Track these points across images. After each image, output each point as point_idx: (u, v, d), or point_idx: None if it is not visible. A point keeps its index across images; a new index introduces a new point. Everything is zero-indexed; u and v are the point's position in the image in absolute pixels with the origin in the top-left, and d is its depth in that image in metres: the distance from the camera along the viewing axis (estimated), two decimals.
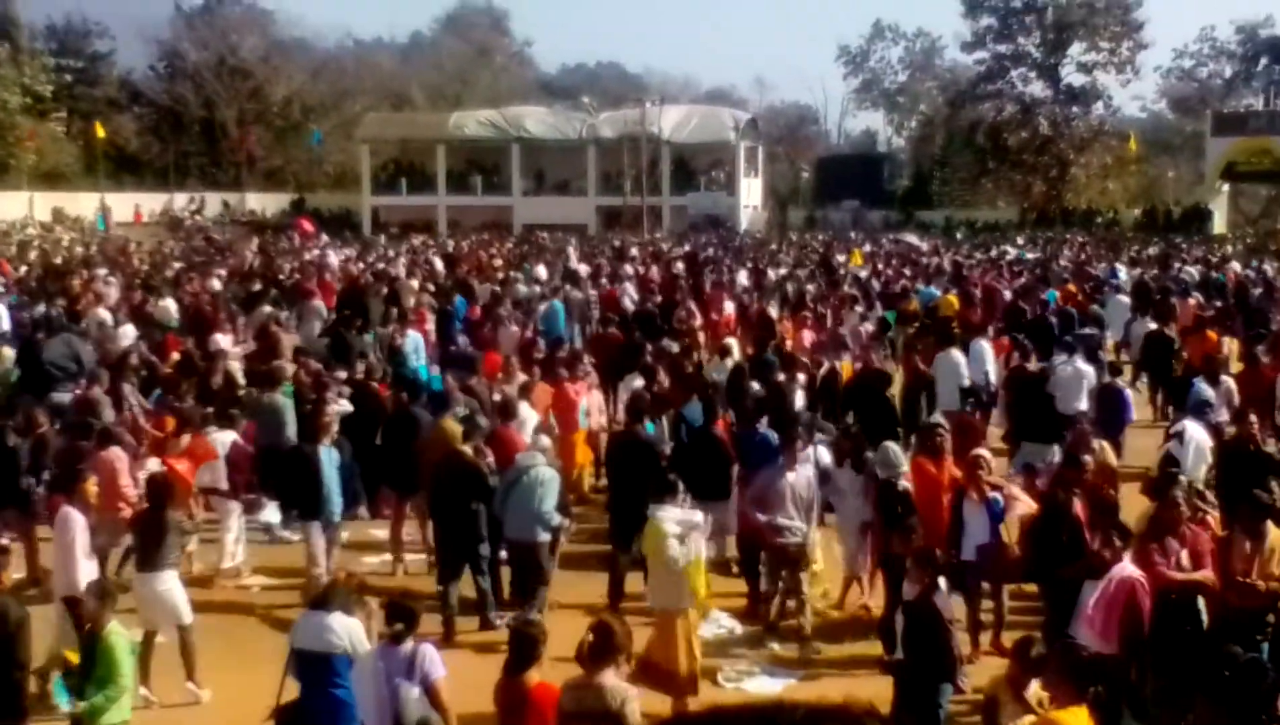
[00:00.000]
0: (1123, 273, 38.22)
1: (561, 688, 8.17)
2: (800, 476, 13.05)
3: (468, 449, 13.78)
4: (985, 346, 21.80)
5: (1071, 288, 33.32)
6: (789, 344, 23.46)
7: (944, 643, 9.52)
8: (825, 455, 13.92)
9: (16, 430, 15.33)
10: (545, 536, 13.30)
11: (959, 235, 66.28)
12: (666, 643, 10.83)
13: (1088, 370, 19.46)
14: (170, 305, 27.89)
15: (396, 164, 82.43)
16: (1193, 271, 39.00)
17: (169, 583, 11.59)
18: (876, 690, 9.60)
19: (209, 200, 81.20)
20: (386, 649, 8.79)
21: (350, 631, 9.11)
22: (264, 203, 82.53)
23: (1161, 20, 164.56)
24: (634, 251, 47.29)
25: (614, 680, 8.12)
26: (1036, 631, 10.22)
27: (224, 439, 15.40)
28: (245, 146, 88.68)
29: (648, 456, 14.16)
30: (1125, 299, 30.86)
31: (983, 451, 13.28)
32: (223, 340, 23.09)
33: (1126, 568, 9.99)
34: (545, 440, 14.41)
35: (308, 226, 66.38)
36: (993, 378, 20.86)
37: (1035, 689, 8.22)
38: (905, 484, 12.98)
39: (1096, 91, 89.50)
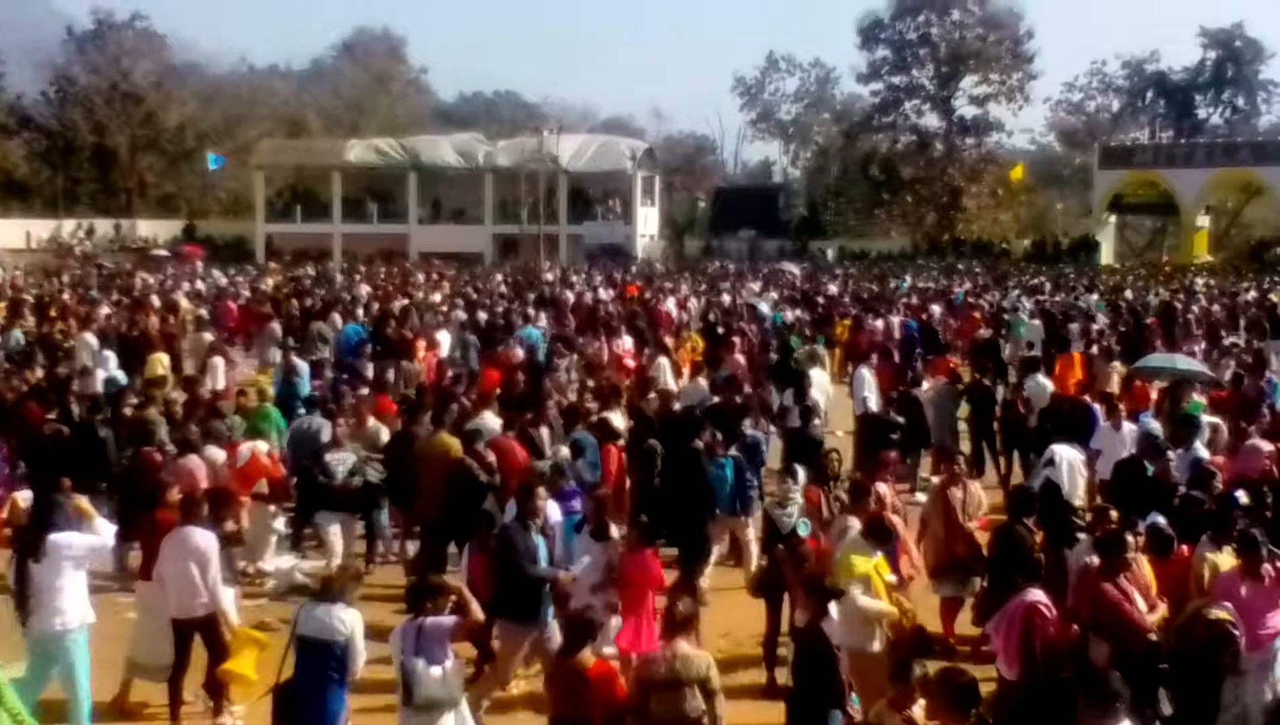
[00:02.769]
0: (1025, 300, 39.28)
1: (640, 660, 8.93)
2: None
3: (470, 460, 14.23)
4: (866, 374, 22.19)
5: (976, 315, 34.22)
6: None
7: (832, 670, 9.53)
8: (555, 512, 12.75)
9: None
10: None
11: (829, 261, 67.29)
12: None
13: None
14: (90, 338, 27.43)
15: (292, 191, 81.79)
16: (1092, 299, 40.47)
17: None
18: (768, 718, 9.65)
19: (99, 226, 79.90)
20: (405, 627, 9.37)
21: (352, 621, 9.50)
22: (155, 229, 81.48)
23: (1052, 54, 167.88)
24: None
25: (693, 648, 8.96)
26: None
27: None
28: (137, 172, 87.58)
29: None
30: (1036, 322, 32.06)
31: (880, 486, 13.28)
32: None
33: (1029, 594, 10.04)
34: (564, 451, 15.10)
35: (193, 253, 65.94)
36: (872, 405, 21.15)
37: (919, 712, 8.20)
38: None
39: (988, 123, 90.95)
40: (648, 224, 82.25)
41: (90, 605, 10.76)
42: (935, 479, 16.06)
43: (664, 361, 23.92)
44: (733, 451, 15.57)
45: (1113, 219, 78.43)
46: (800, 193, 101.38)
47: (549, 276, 52.02)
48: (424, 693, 9.17)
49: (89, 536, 10.75)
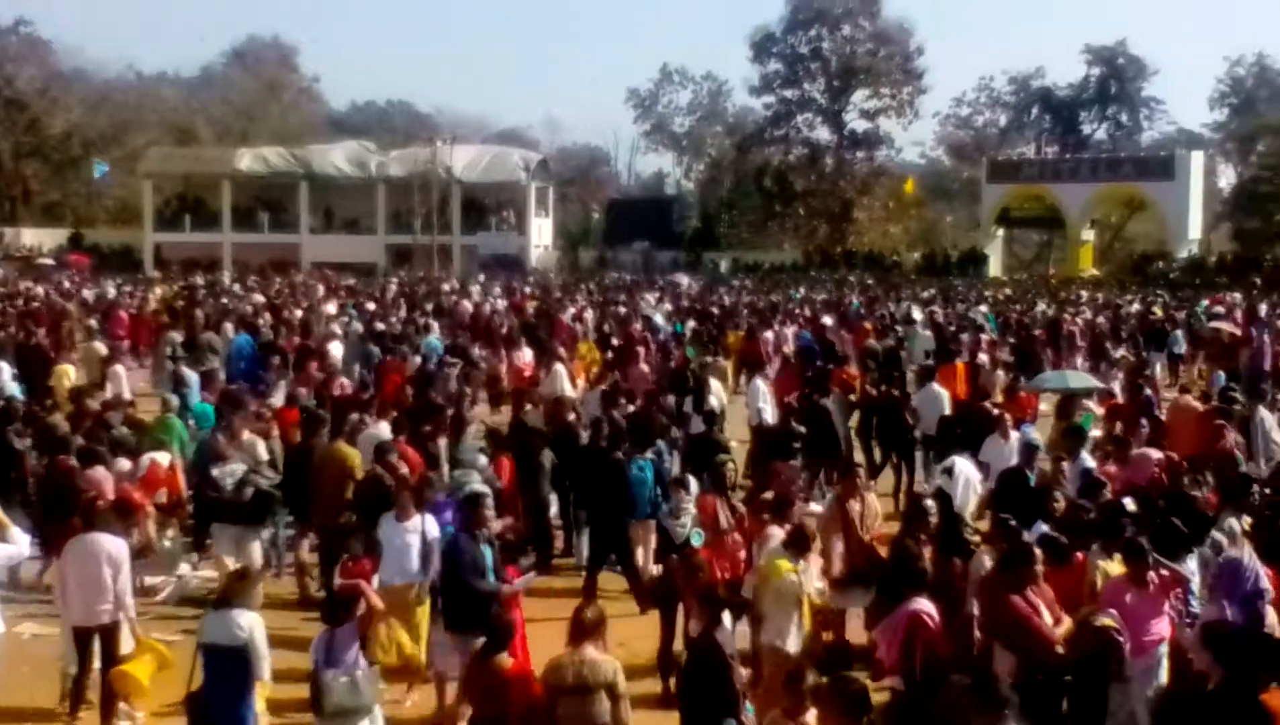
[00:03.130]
0: (917, 312, 39.87)
1: (548, 665, 9.03)
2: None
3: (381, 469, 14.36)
4: (761, 385, 22.42)
5: (867, 326, 34.72)
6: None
7: (726, 679, 9.58)
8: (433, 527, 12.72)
9: None
10: None
11: (723, 273, 67.80)
12: None
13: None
14: None
15: (181, 200, 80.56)
16: (981, 310, 41.39)
17: None
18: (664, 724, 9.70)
19: None
20: (320, 638, 9.71)
21: (250, 625, 9.65)
22: (40, 238, 79.82)
23: (941, 70, 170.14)
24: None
25: (600, 654, 9.06)
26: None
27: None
28: (21, 180, 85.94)
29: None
30: (928, 333, 32.81)
31: (769, 496, 13.35)
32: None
33: (914, 602, 10.18)
34: (482, 459, 15.35)
35: (79, 262, 64.89)
36: (768, 416, 21.34)
37: (812, 721, 8.26)
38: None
39: (879, 137, 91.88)
40: (542, 235, 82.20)
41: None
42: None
43: (561, 370, 24.15)
44: (649, 455, 15.80)
45: (1000, 232, 79.51)
46: (694, 205, 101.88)
47: (447, 287, 51.93)
48: (333, 700, 9.39)
49: (4, 546, 10.60)
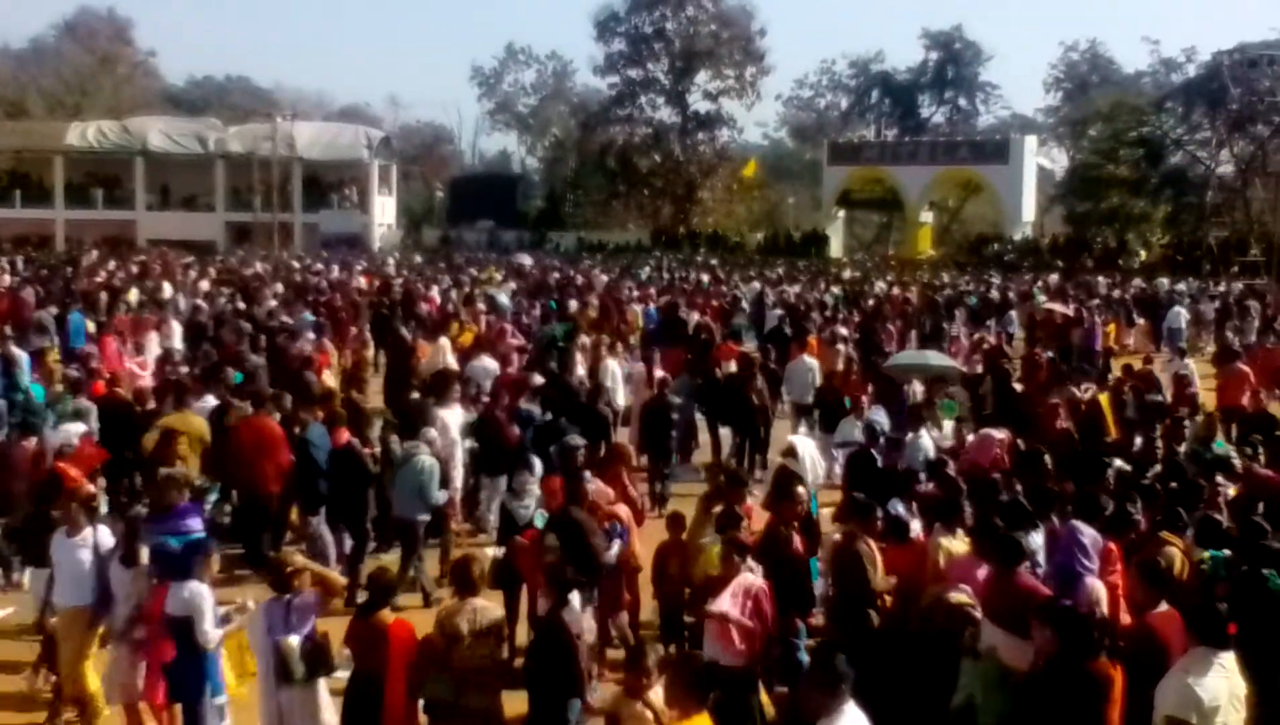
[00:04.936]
0: (770, 292, 40.71)
1: (443, 613, 9.56)
2: None
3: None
4: (613, 365, 22.95)
5: (714, 304, 35.26)
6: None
7: (572, 659, 9.64)
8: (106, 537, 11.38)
9: None
10: (425, 516, 15.04)
11: (566, 252, 67.90)
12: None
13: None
14: None
15: (11, 175, 78.18)
16: (836, 291, 42.57)
17: None
18: (509, 708, 9.73)
19: None
20: (270, 605, 9.81)
21: (202, 595, 10.06)
22: None
23: (784, 51, 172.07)
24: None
25: (486, 601, 9.62)
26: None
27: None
28: None
29: None
30: (779, 312, 33.76)
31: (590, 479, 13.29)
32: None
33: (749, 578, 10.37)
34: (432, 432, 15.80)
35: None
36: (620, 396, 21.66)
37: (655, 698, 8.27)
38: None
39: (722, 118, 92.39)
40: (385, 213, 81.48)
41: None
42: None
43: (445, 343, 24.82)
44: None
45: (841, 213, 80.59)
46: (538, 184, 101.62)
47: (297, 264, 51.47)
48: (302, 667, 9.59)
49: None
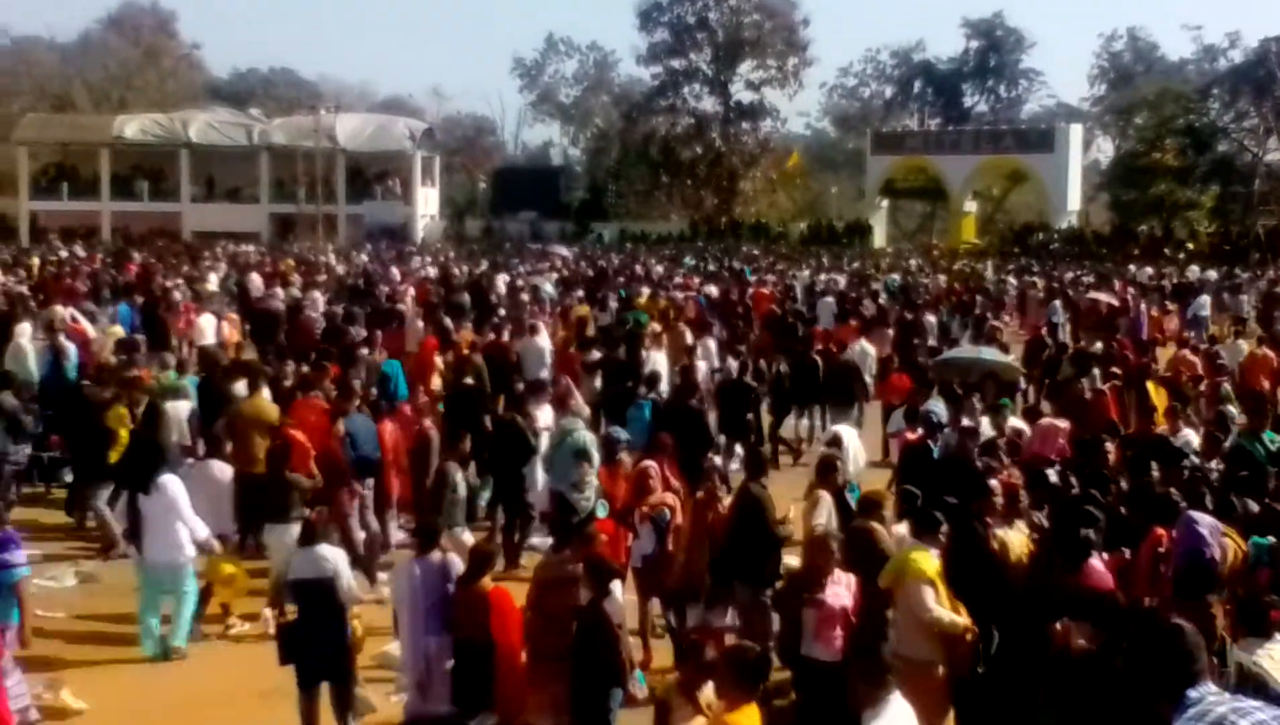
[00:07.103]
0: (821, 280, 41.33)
1: (540, 564, 10.90)
2: None
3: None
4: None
5: (766, 292, 35.56)
6: None
7: (613, 648, 9.62)
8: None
9: None
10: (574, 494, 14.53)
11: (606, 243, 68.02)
12: None
13: None
14: None
15: (58, 167, 78.77)
16: (895, 278, 42.99)
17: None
18: (553, 694, 9.78)
19: None
20: (419, 561, 10.59)
21: (337, 558, 10.57)
22: None
23: (828, 41, 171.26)
24: None
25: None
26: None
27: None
28: None
29: None
30: (831, 301, 34.02)
31: (649, 464, 13.07)
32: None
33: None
34: (585, 409, 16.54)
35: None
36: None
37: (708, 692, 8.19)
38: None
39: (764, 108, 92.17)
40: (428, 204, 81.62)
41: None
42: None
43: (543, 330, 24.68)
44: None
45: (885, 203, 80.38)
46: (581, 175, 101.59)
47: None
48: None
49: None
